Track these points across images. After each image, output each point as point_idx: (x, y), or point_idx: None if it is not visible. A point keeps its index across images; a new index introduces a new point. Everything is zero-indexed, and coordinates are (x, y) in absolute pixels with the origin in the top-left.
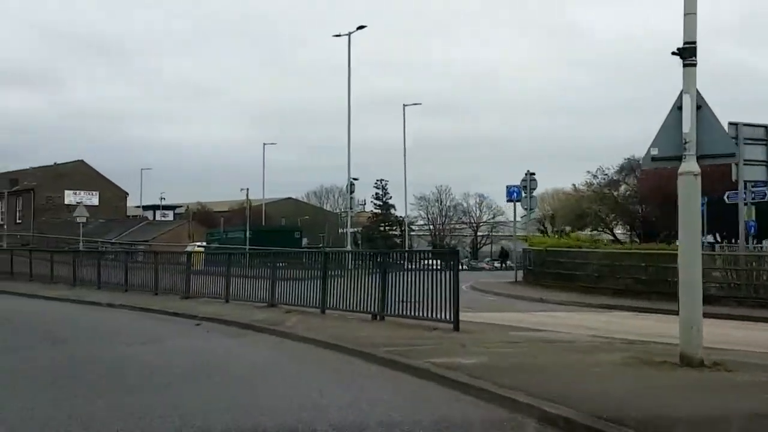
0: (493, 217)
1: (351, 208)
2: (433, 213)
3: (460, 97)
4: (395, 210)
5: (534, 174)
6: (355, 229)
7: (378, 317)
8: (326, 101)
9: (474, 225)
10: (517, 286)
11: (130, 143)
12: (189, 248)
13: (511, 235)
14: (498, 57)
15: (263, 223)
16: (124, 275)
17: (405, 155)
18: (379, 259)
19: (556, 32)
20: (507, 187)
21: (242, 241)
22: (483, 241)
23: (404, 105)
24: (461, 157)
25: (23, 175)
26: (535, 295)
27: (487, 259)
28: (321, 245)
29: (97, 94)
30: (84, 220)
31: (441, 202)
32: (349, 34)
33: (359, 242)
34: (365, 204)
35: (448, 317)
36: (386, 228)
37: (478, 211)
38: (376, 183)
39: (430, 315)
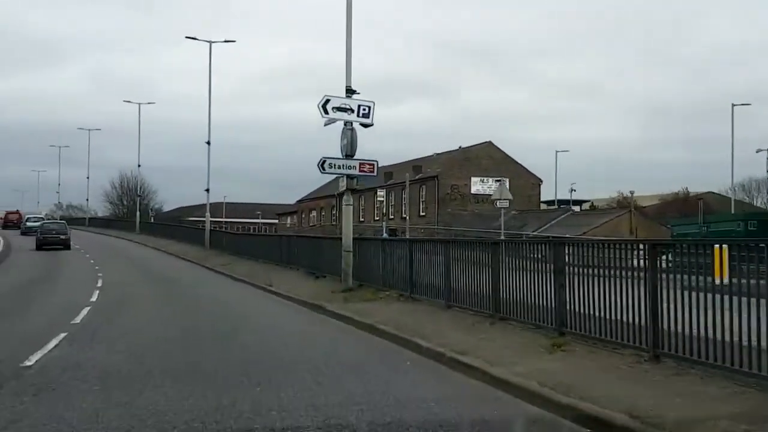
0: None
1: None
2: None
3: None
4: None
5: None
6: None
7: None
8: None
9: None
10: None
11: (511, 144)
12: None
13: None
14: None
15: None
16: None
17: None
18: None
19: None
20: None
21: (743, 233)
22: None
23: None
24: None
25: (427, 162)
26: None
27: None
28: None
29: (481, 98)
30: (506, 204)
31: None
32: None
33: None
34: None
35: None
36: None
37: None
38: None
39: None
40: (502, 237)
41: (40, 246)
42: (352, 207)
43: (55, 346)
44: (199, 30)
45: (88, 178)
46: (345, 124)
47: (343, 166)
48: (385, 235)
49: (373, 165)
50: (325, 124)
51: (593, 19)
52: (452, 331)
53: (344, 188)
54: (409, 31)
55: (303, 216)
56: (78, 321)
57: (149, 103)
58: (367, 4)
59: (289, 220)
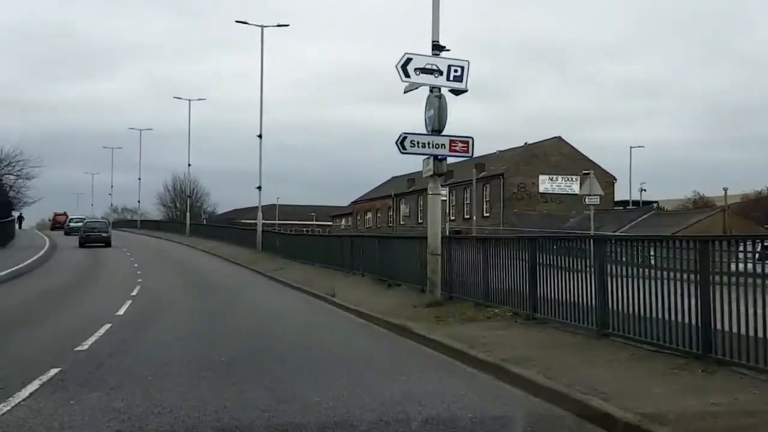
0: None
1: None
2: None
3: None
4: None
5: None
6: None
7: None
8: None
9: None
10: None
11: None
12: None
13: None
14: None
15: None
16: None
17: None
18: None
19: None
20: None
21: None
22: None
23: None
24: None
25: (490, 160)
26: None
27: None
28: None
29: (542, 100)
30: (596, 200)
31: None
32: None
33: None
34: None
35: None
36: None
37: None
38: None
39: None
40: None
41: (83, 243)
42: (440, 198)
43: (30, 394)
44: (246, 34)
45: (139, 179)
46: (431, 90)
47: (428, 144)
48: None
49: (468, 143)
50: (405, 91)
51: (659, 17)
52: (655, 385)
53: (430, 173)
54: (466, 32)
55: (358, 218)
56: (84, 347)
57: (200, 99)
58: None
59: (343, 221)
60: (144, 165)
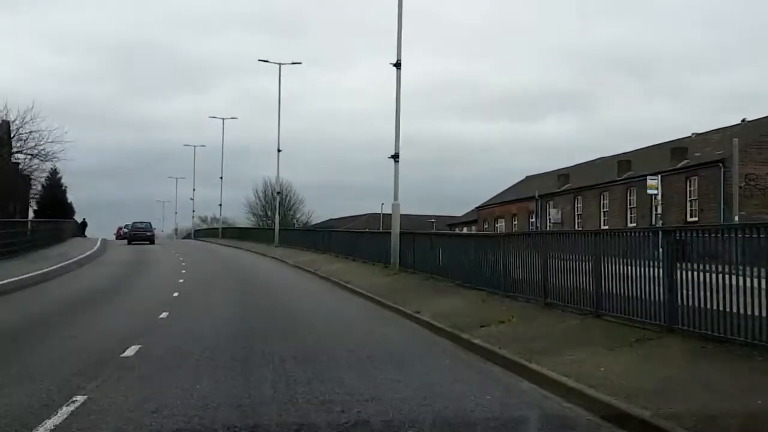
0: None
1: None
2: None
3: None
4: None
5: None
6: None
7: None
8: None
9: None
10: None
11: None
12: None
13: None
14: None
15: None
16: None
17: None
18: None
19: None
20: None
21: None
22: None
23: None
24: None
25: (690, 143)
26: None
27: None
28: None
29: (627, 112)
30: None
31: None
32: None
33: None
34: None
35: None
36: None
37: None
38: None
39: None
40: None
41: (130, 241)
42: None
43: None
44: (353, 50)
45: (221, 177)
46: None
47: None
48: None
49: None
50: None
51: (747, 28)
52: None
53: None
54: (551, 44)
55: (485, 225)
56: None
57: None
58: (510, 19)
59: (465, 229)
60: (239, 180)
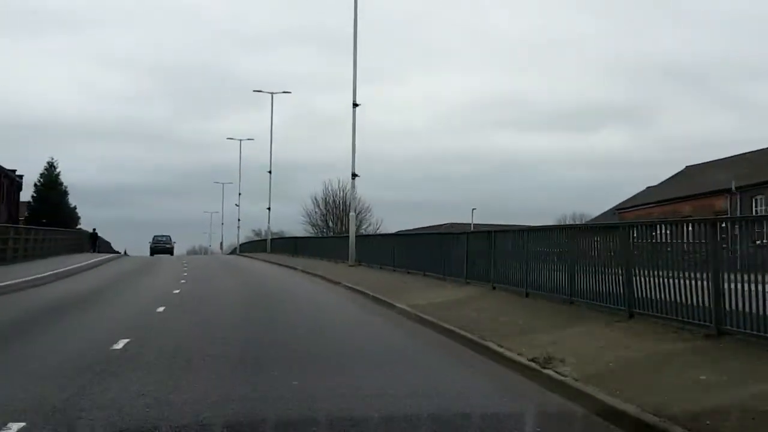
0: None
1: None
2: None
3: None
4: None
5: None
6: None
7: None
8: None
9: None
10: None
11: None
12: None
13: None
14: None
15: None
16: None
17: None
18: None
19: None
20: None
21: None
22: None
23: None
24: None
25: None
26: None
27: None
28: None
29: (683, 124)
30: None
31: None
32: None
33: None
34: None
35: None
36: None
37: None
38: None
39: None
40: None
41: (152, 252)
42: None
43: None
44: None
45: (269, 172)
46: None
47: None
48: None
49: None
50: None
51: None
52: None
53: None
54: (605, 56)
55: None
56: None
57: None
58: (560, 31)
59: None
60: (294, 196)
